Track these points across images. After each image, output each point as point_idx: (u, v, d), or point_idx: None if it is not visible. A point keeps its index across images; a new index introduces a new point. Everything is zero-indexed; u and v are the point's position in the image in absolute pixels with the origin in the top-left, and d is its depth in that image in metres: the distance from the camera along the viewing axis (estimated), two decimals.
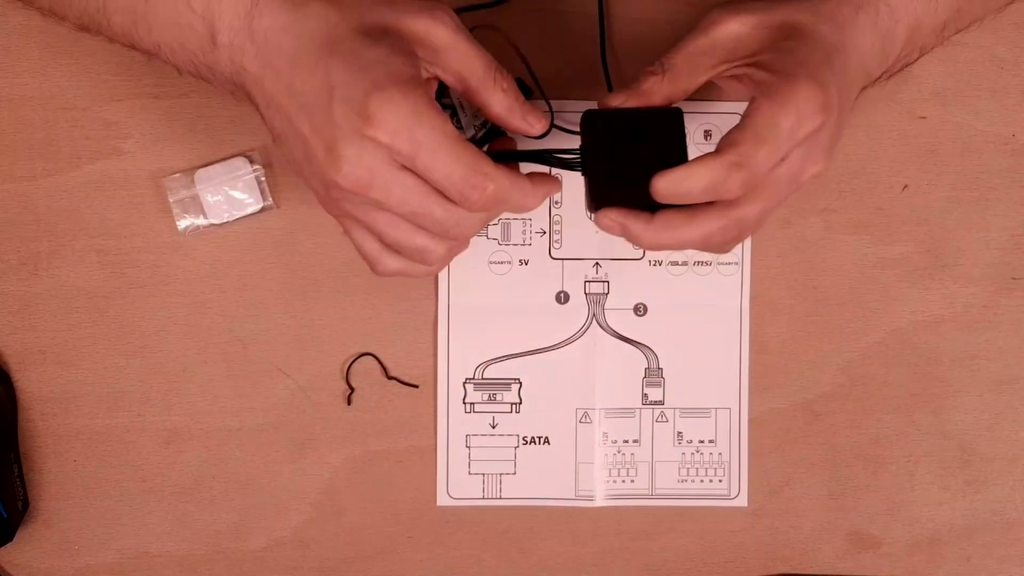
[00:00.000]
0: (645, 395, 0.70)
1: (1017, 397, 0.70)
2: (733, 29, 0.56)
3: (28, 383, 0.68)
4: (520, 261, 0.69)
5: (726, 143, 0.51)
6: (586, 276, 0.69)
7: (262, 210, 0.68)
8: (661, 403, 0.70)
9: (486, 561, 0.71)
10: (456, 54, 0.52)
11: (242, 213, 0.67)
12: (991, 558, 0.71)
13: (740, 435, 0.70)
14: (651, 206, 0.53)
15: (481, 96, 0.53)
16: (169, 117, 0.67)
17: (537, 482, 0.70)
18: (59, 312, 0.68)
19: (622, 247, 0.69)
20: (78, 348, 0.68)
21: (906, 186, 0.69)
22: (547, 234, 0.69)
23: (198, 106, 0.67)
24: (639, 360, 0.70)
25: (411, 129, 0.48)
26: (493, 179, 0.50)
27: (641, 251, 0.69)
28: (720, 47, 0.57)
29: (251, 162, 0.67)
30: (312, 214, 0.68)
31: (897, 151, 0.69)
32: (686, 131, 0.54)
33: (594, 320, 0.70)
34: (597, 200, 0.54)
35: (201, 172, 0.67)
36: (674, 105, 0.56)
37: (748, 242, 0.69)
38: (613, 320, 0.70)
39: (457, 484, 0.70)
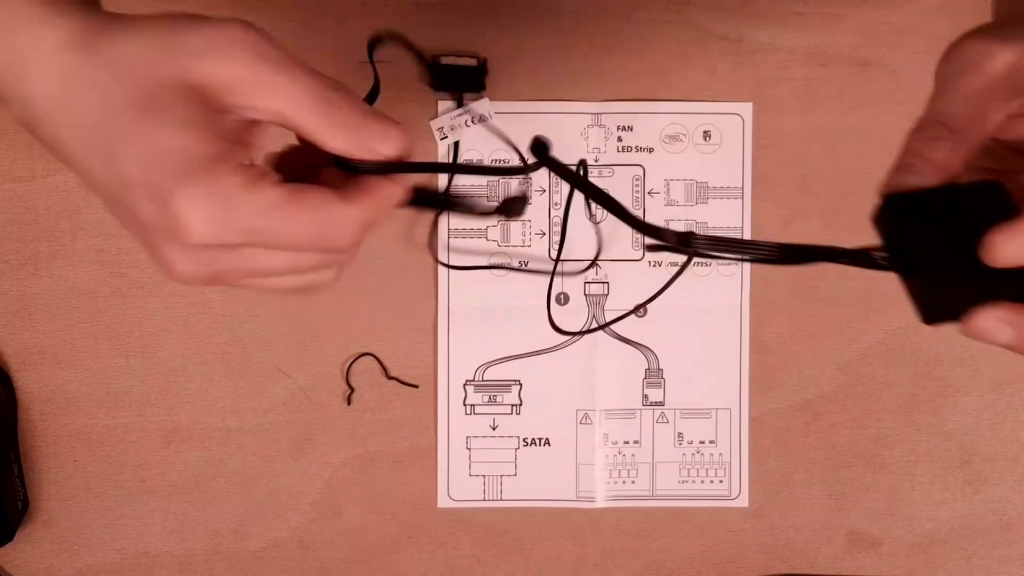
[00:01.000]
0: (645, 396, 0.70)
1: (1017, 397, 0.70)
2: (1010, 58, 0.44)
3: (28, 383, 0.68)
4: (520, 263, 0.69)
5: None
6: (586, 277, 0.69)
7: None
8: (661, 404, 0.70)
9: (487, 562, 0.70)
10: (263, 90, 0.41)
11: None
12: (991, 558, 0.71)
13: (740, 435, 0.70)
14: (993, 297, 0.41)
15: (311, 137, 0.42)
16: None
17: (538, 484, 0.70)
18: (59, 312, 0.68)
19: (621, 248, 0.69)
20: (78, 348, 0.68)
21: None
22: (547, 235, 0.69)
23: None
24: (639, 361, 0.70)
25: (231, 221, 0.40)
26: (352, 217, 0.42)
27: (641, 252, 0.69)
28: (1002, 83, 0.45)
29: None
30: None
31: (897, 151, 0.68)
32: (1012, 204, 0.42)
33: (594, 321, 0.70)
34: (942, 305, 0.42)
35: None
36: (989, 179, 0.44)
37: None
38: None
39: (458, 486, 0.70)
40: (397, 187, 0.43)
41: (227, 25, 0.41)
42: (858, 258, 0.44)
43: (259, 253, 0.42)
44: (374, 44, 0.52)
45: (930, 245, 0.42)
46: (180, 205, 0.39)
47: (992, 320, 0.41)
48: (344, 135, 0.42)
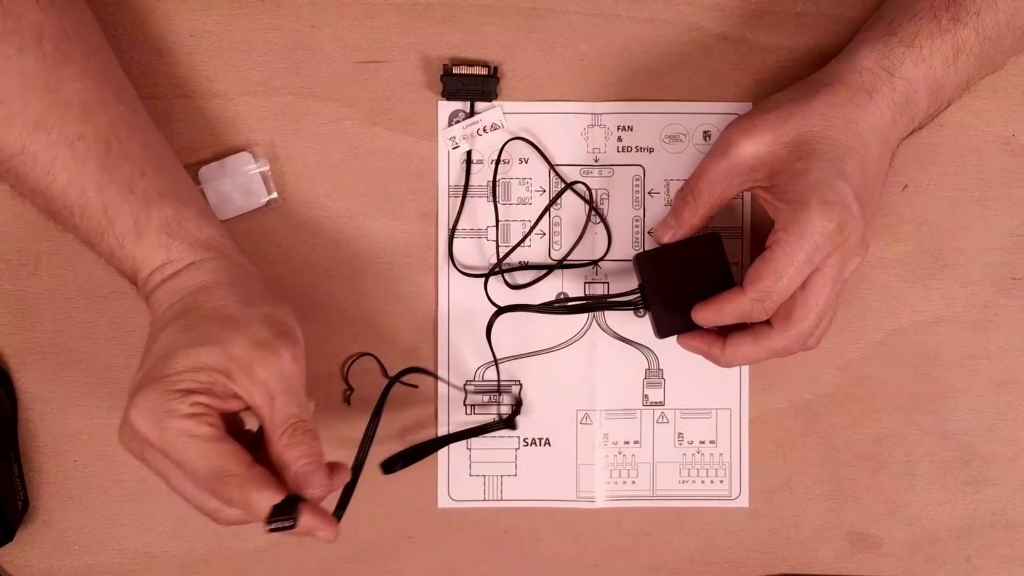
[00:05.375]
0: (646, 396, 0.70)
1: (1017, 397, 0.70)
2: (749, 150, 0.60)
3: (28, 383, 0.68)
4: (520, 263, 0.69)
5: (751, 278, 0.59)
6: (586, 277, 0.69)
7: (267, 204, 0.67)
8: (662, 404, 0.70)
9: (487, 562, 0.70)
10: (264, 389, 0.54)
11: (247, 208, 0.67)
12: (991, 558, 0.71)
13: (740, 435, 0.70)
14: None
15: (264, 437, 0.55)
16: (169, 117, 0.67)
17: (538, 484, 0.70)
18: (59, 312, 0.68)
19: (620, 249, 0.69)
20: (78, 348, 0.68)
21: (906, 186, 0.69)
22: (547, 236, 0.69)
23: (198, 106, 0.67)
24: (639, 361, 0.70)
25: (159, 430, 0.52)
26: (234, 484, 0.52)
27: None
28: (739, 168, 0.61)
29: (255, 158, 0.67)
30: (313, 214, 0.68)
31: (897, 151, 0.69)
32: (725, 251, 0.64)
33: (594, 321, 0.70)
34: (664, 329, 0.64)
35: (204, 170, 0.67)
36: (711, 229, 0.64)
37: (747, 243, 0.69)
38: (613, 321, 0.70)
39: (458, 486, 0.70)
40: (265, 505, 0.52)
41: (277, 339, 0.55)
42: (616, 305, 0.65)
43: (168, 464, 0.53)
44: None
45: (664, 287, 0.64)
46: (138, 397, 0.52)
47: (690, 345, 0.64)
48: (281, 457, 0.54)
